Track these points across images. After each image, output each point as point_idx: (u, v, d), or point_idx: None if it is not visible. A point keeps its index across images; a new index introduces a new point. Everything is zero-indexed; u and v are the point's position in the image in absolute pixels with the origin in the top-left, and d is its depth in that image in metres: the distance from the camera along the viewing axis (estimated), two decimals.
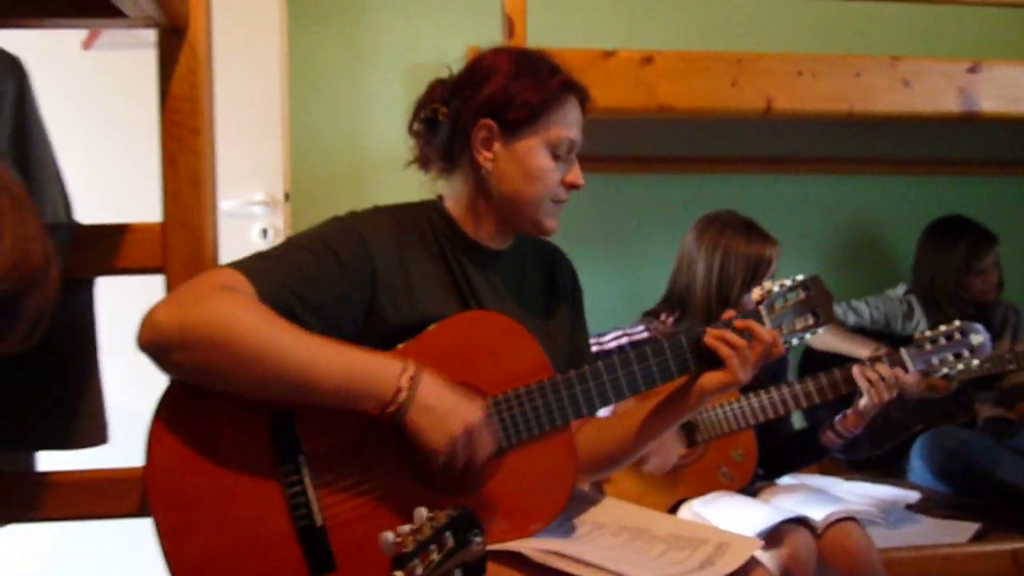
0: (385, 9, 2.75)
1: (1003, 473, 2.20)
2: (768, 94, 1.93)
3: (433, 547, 0.87)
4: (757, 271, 1.91)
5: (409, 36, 2.76)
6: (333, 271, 1.11)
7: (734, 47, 2.34)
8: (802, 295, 1.30)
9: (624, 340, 1.92)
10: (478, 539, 0.91)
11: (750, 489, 1.91)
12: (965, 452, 2.28)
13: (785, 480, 2.03)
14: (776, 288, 1.30)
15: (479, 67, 1.27)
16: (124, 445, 1.24)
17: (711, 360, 1.21)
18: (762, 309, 1.27)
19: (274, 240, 2.41)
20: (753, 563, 1.16)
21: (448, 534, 0.88)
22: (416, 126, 1.32)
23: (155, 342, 0.98)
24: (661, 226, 2.71)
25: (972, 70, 2.05)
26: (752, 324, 1.22)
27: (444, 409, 1.05)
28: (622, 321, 2.04)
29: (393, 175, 2.72)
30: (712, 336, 1.21)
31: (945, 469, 2.30)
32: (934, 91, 2.04)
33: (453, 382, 1.10)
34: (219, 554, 1.00)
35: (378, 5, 2.75)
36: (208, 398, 1.02)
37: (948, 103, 2.04)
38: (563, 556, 1.08)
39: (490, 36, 2.65)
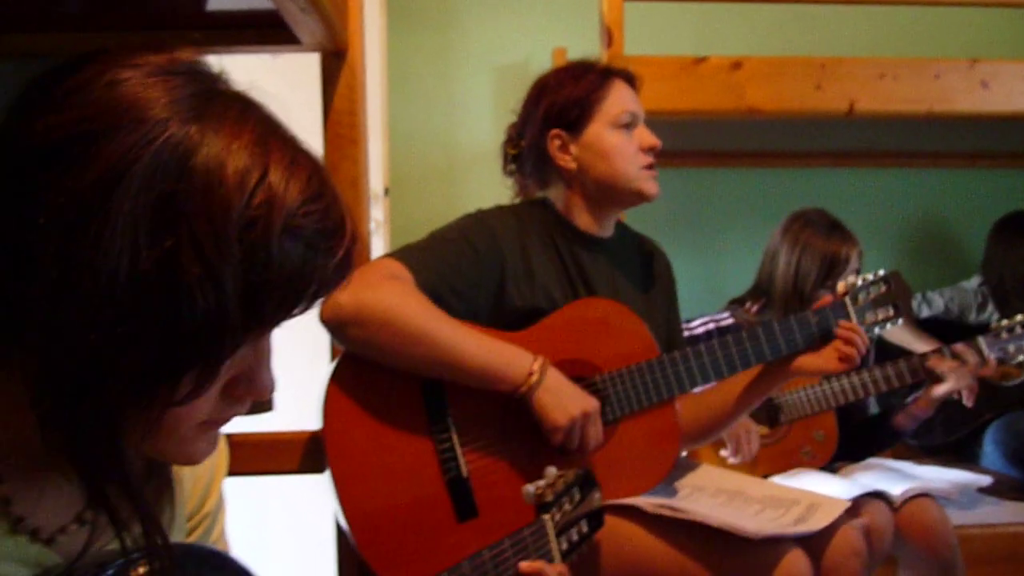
0: (474, 14, 2.89)
1: None
2: (851, 96, 2.03)
3: (565, 499, 1.04)
4: (833, 268, 2.01)
5: (497, 39, 2.90)
6: (472, 261, 1.29)
7: (818, 52, 2.44)
8: (883, 288, 1.42)
9: (711, 326, 2.05)
10: (597, 495, 1.08)
11: (830, 468, 2.02)
12: None
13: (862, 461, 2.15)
14: (860, 281, 1.43)
15: (531, 96, 1.47)
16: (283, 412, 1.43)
17: (810, 345, 1.35)
18: (847, 300, 1.40)
19: (377, 231, 2.60)
20: (841, 521, 1.30)
21: (575, 489, 1.05)
22: (508, 167, 1.52)
23: (335, 319, 1.17)
24: (742, 218, 2.82)
25: None
26: (856, 327, 1.35)
27: (566, 394, 1.21)
28: (703, 308, 2.17)
29: (482, 171, 2.90)
30: (844, 328, 1.35)
31: (1018, 454, 2.36)
32: (1011, 92, 2.11)
33: (573, 359, 1.26)
34: (383, 499, 1.17)
35: (468, 10, 2.89)
36: (372, 368, 1.20)
37: None
38: (674, 508, 1.23)
39: (575, 39, 2.79)
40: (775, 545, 1.20)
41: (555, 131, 1.41)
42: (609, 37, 1.94)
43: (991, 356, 1.86)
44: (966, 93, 2.10)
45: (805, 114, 2.04)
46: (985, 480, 2.21)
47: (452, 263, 1.28)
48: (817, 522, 1.25)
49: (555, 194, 1.45)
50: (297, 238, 0.58)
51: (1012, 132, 2.85)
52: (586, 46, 2.77)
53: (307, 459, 1.34)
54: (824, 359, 1.35)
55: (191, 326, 0.55)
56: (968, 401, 1.93)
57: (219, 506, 0.85)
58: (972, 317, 2.60)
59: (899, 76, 2.07)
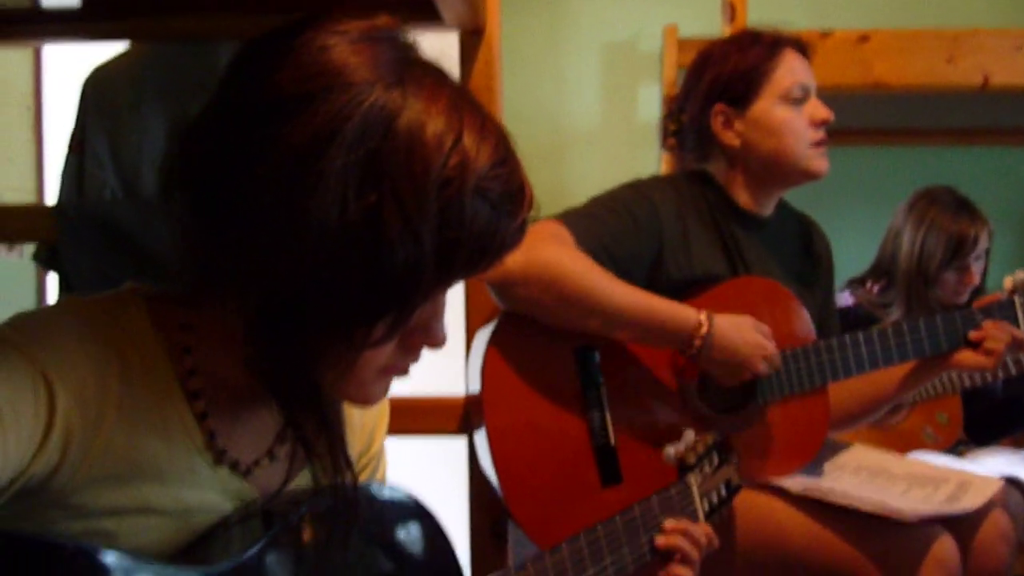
0: None
1: None
2: (985, 69, 1.97)
3: (705, 462, 1.05)
4: (960, 248, 1.95)
5: (606, 17, 2.90)
6: (631, 229, 1.29)
7: (950, 23, 2.36)
8: None
9: None
10: (735, 460, 1.09)
11: (954, 451, 1.98)
12: None
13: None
14: None
15: (693, 68, 1.43)
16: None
17: (969, 343, 1.32)
18: (1016, 298, 1.35)
19: None
20: (992, 504, 1.28)
21: (714, 453, 1.06)
22: (668, 142, 1.49)
23: (502, 278, 1.18)
24: (863, 198, 2.75)
25: None
26: (1009, 327, 1.31)
27: (734, 349, 1.21)
28: None
29: (590, 149, 2.92)
30: (986, 331, 1.31)
31: None
32: None
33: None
34: (533, 459, 1.21)
35: None
36: (529, 332, 1.23)
37: None
38: (823, 490, 1.24)
39: (687, 15, 2.76)
40: (924, 529, 1.19)
41: (719, 106, 1.37)
42: (732, 11, 1.93)
43: None
44: None
45: (936, 89, 1.98)
46: None
47: (612, 231, 1.28)
48: (971, 501, 1.23)
49: (716, 169, 1.42)
50: (486, 199, 0.61)
51: None
52: (698, 23, 2.74)
53: (448, 422, 1.39)
54: (983, 356, 1.30)
55: (391, 275, 0.59)
56: None
57: (381, 451, 0.91)
58: None
59: None
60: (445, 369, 1.30)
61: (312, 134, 0.57)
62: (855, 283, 2.11)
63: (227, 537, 0.67)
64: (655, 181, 1.40)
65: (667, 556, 0.94)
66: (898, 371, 1.37)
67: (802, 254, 1.49)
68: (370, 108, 0.58)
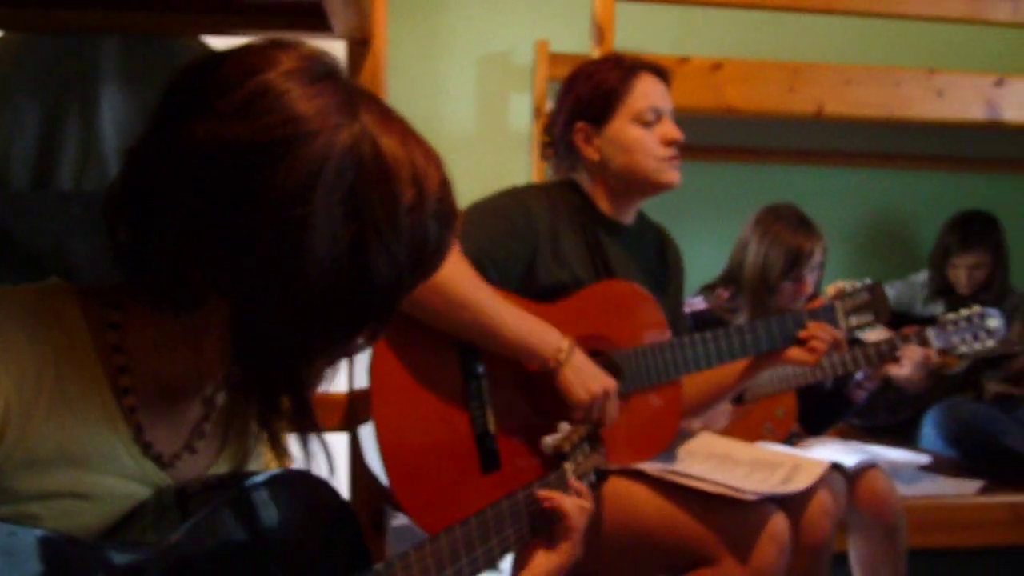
0: (460, 3, 2.96)
1: (1008, 440, 2.44)
2: (820, 100, 2.18)
3: (579, 451, 1.16)
4: (797, 260, 2.15)
5: (481, 30, 2.98)
6: (508, 233, 1.38)
7: (791, 56, 2.59)
8: (867, 296, 1.56)
9: (686, 310, 2.20)
10: (603, 449, 1.21)
11: (788, 442, 2.19)
12: (976, 422, 2.51)
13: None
14: (848, 287, 1.57)
15: (564, 86, 1.56)
16: None
17: (798, 341, 1.49)
18: (836, 304, 1.54)
19: None
20: (821, 483, 1.45)
21: (586, 444, 1.17)
22: (545, 152, 1.61)
23: None
24: (715, 209, 2.96)
25: (998, 84, 2.28)
26: (831, 328, 1.49)
27: (589, 374, 1.32)
28: None
29: (464, 158, 2.99)
30: (811, 330, 1.49)
31: (956, 436, 2.54)
32: (964, 101, 2.27)
33: (594, 334, 1.37)
34: (419, 447, 1.27)
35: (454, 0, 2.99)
36: (415, 329, 1.28)
37: (976, 112, 2.27)
38: (674, 472, 1.37)
39: (558, 32, 2.90)
40: (761, 507, 1.34)
41: (580, 124, 1.48)
42: (600, 35, 2.06)
43: (936, 346, 2.03)
44: (923, 101, 2.26)
45: (778, 114, 2.18)
46: (925, 459, 2.38)
47: (492, 235, 1.37)
48: (801, 482, 1.39)
49: (582, 179, 1.54)
50: (438, 218, 0.70)
51: (963, 138, 3.03)
52: (569, 40, 2.88)
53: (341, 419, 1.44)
54: (808, 352, 1.49)
55: (375, 294, 0.67)
56: (907, 387, 2.10)
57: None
58: (918, 309, 2.78)
59: (863, 83, 2.22)
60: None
61: (298, 180, 0.63)
62: (707, 289, 2.29)
63: (146, 523, 0.70)
64: (530, 189, 1.51)
65: (546, 530, 1.03)
66: (739, 364, 1.54)
67: (657, 260, 1.63)
68: (342, 149, 0.64)
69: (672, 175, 1.49)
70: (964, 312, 2.02)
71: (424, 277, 0.73)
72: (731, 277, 2.27)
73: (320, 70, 0.68)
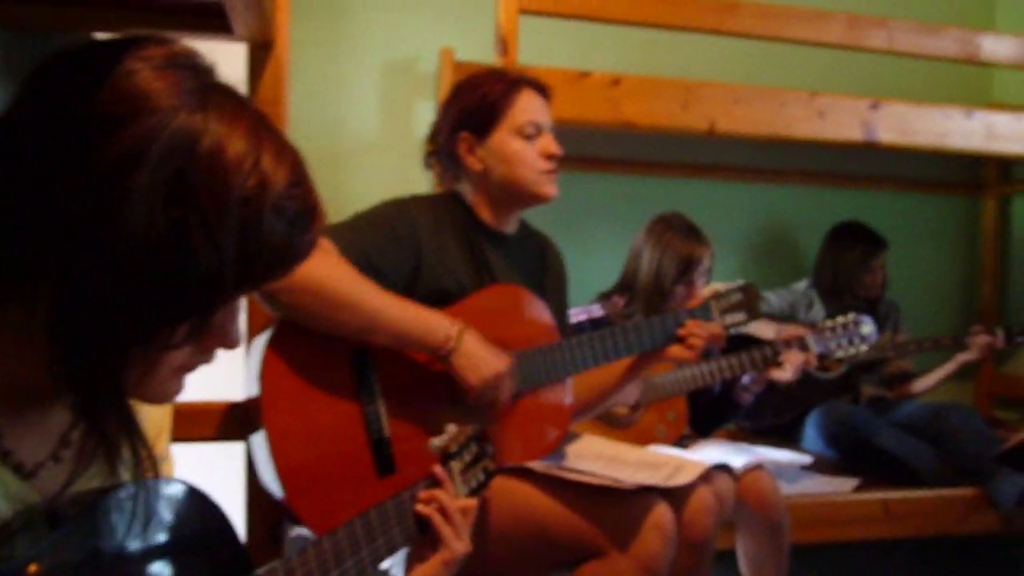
0: (366, 8, 2.94)
1: (880, 441, 2.58)
2: (711, 117, 2.27)
3: (465, 451, 1.19)
4: (688, 267, 2.25)
5: (387, 35, 2.96)
6: (391, 240, 1.41)
7: (685, 74, 2.70)
8: (740, 296, 1.67)
9: (584, 316, 2.26)
10: (491, 449, 1.24)
11: (680, 444, 2.28)
12: (851, 423, 2.65)
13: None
14: (723, 288, 1.67)
15: (448, 96, 1.60)
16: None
17: (679, 339, 1.58)
18: (712, 303, 1.63)
19: None
20: (698, 483, 1.53)
21: (473, 444, 1.20)
22: (428, 161, 1.65)
23: (269, 286, 1.24)
24: (611, 219, 3.03)
25: (873, 107, 2.43)
26: (707, 324, 1.58)
27: (480, 357, 1.36)
28: (572, 299, 2.36)
29: (367, 162, 2.98)
30: (689, 327, 1.57)
31: (834, 437, 2.69)
32: (842, 123, 2.40)
33: (486, 338, 1.41)
34: (312, 456, 1.28)
35: (360, 3, 2.96)
36: (306, 335, 1.29)
37: (853, 133, 2.39)
38: (562, 468, 1.41)
39: (463, 40, 2.93)
40: (645, 497, 1.40)
41: (463, 134, 1.52)
42: (504, 46, 2.09)
43: (815, 351, 2.15)
44: (806, 121, 2.37)
45: (673, 130, 2.26)
46: (807, 459, 2.50)
47: (373, 242, 1.39)
48: (683, 478, 1.46)
49: (466, 189, 1.58)
50: (282, 216, 0.69)
51: (842, 157, 3.23)
52: (474, 49, 2.91)
53: (225, 427, 1.41)
54: (687, 349, 1.57)
55: (194, 283, 0.66)
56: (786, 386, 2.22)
57: (165, 455, 0.94)
58: (800, 315, 2.90)
59: (752, 102, 2.32)
60: (219, 375, 1.33)
61: (121, 154, 0.62)
62: (604, 297, 2.36)
63: (9, 541, 0.66)
64: (415, 200, 1.53)
65: (430, 530, 1.05)
66: (625, 363, 1.61)
67: (539, 267, 1.68)
68: (175, 131, 0.64)
69: (550, 188, 1.55)
70: (840, 319, 2.15)
71: (267, 275, 0.71)
72: (626, 285, 2.34)
73: (183, 62, 0.68)
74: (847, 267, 2.89)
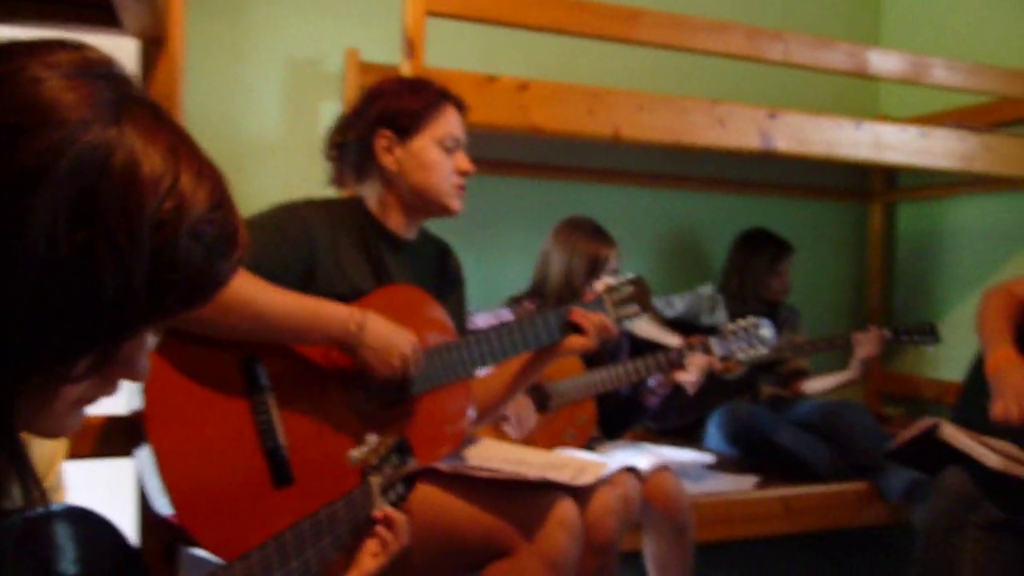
0: (270, 6, 2.88)
1: (778, 439, 2.67)
2: (616, 123, 2.30)
3: (386, 464, 1.16)
4: (596, 266, 2.31)
5: (289, 33, 2.91)
6: (279, 243, 1.38)
7: (591, 81, 2.73)
8: (632, 289, 1.71)
9: (494, 321, 2.26)
10: (412, 460, 1.22)
11: (589, 447, 2.30)
12: (751, 422, 2.74)
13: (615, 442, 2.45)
14: (615, 282, 1.70)
15: (368, 93, 1.58)
16: None
17: (574, 330, 1.59)
18: (605, 296, 1.67)
19: None
20: (600, 484, 1.55)
21: (394, 455, 1.18)
22: (331, 152, 1.60)
23: None
24: (520, 223, 3.05)
25: (771, 116, 2.51)
26: (601, 316, 1.61)
27: (385, 346, 1.34)
28: (481, 303, 2.36)
29: (268, 162, 2.90)
30: (578, 314, 1.59)
31: (735, 435, 2.78)
32: (742, 131, 2.46)
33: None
34: (203, 470, 1.22)
35: (264, 2, 2.88)
36: (193, 345, 1.24)
37: (752, 141, 2.46)
38: (468, 466, 1.40)
39: (368, 41, 2.89)
40: (550, 492, 1.41)
41: (385, 131, 1.51)
42: (411, 48, 2.07)
43: (718, 354, 2.22)
44: (707, 128, 2.42)
45: (579, 135, 2.27)
46: (710, 458, 2.58)
47: (262, 245, 1.36)
48: (587, 479, 1.48)
49: (370, 191, 1.56)
50: (200, 241, 0.63)
51: (742, 164, 3.34)
52: (380, 50, 2.87)
53: (105, 443, 1.34)
54: (587, 339, 1.60)
55: (98, 313, 0.60)
56: (691, 391, 2.28)
57: (58, 484, 0.88)
58: (704, 319, 3.01)
59: (655, 109, 2.35)
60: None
61: (20, 168, 0.57)
62: (514, 301, 2.37)
63: None
64: (309, 202, 1.50)
65: (354, 547, 1.02)
66: (523, 360, 1.63)
67: (437, 273, 1.68)
68: (85, 146, 0.58)
69: (457, 203, 1.58)
70: (741, 323, 2.23)
71: (181, 305, 0.66)
72: (537, 289, 2.36)
73: (97, 71, 0.63)
74: (755, 271, 2.98)
